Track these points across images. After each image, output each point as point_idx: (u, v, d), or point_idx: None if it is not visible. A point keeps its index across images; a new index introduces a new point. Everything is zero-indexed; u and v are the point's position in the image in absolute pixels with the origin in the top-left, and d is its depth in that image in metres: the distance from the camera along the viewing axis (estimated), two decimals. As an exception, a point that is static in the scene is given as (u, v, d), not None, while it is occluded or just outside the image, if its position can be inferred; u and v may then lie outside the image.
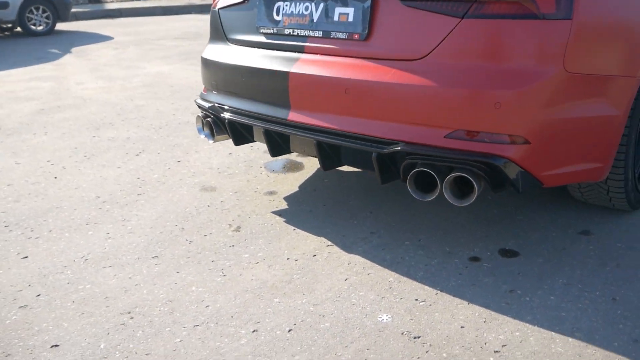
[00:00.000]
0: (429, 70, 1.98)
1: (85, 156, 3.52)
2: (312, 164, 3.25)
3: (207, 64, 2.74)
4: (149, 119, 4.30)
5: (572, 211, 2.57)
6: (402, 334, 1.79)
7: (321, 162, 2.31)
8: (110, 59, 7.05)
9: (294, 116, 2.30)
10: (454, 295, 1.98)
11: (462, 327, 1.81)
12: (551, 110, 1.93)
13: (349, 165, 2.38)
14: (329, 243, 2.36)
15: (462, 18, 1.92)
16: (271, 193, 2.88)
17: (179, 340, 1.78)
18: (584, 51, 1.94)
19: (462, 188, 2.05)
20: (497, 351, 1.70)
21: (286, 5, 2.36)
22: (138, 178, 3.14)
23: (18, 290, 2.07)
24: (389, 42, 2.07)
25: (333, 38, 2.21)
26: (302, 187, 2.95)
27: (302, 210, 2.68)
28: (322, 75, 2.17)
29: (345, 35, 2.17)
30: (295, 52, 2.33)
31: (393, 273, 2.13)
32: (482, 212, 2.57)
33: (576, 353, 1.68)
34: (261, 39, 2.47)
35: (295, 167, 3.24)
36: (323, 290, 2.03)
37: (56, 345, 1.76)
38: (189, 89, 5.27)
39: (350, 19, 2.15)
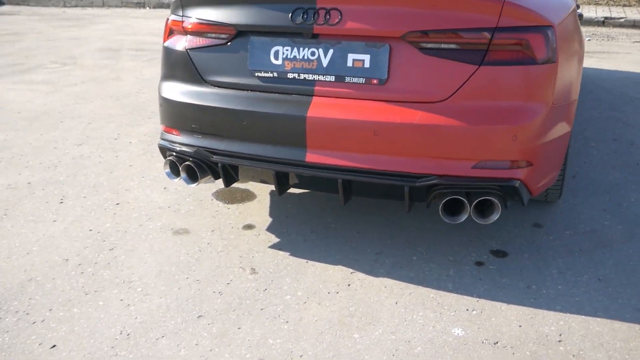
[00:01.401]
0: (453, 111, 2.27)
1: (-1, 212, 3.10)
2: (258, 190, 3.32)
3: (178, 106, 2.66)
4: (32, 157, 3.87)
5: (512, 206, 3.09)
6: (483, 342, 2.09)
7: (343, 197, 2.47)
8: None
9: (312, 157, 2.41)
10: (492, 300, 2.34)
11: (520, 326, 2.18)
12: (545, 136, 2.37)
13: (362, 196, 2.57)
14: (351, 270, 2.55)
15: (480, 65, 2.24)
16: (250, 227, 2.93)
17: (306, 396, 1.85)
18: (561, 87, 2.41)
19: (477, 207, 2.41)
20: (560, 340, 2.10)
21: (286, 50, 2.44)
22: (90, 230, 2.91)
23: (84, 385, 1.90)
24: (407, 86, 2.31)
25: (348, 82, 2.37)
26: (274, 216, 3.04)
27: (296, 240, 2.79)
28: (347, 119, 2.32)
29: (362, 80, 2.34)
30: (303, 95, 2.43)
31: (429, 289, 2.41)
32: (441, 220, 2.96)
33: (610, 329, 2.16)
34: (255, 82, 2.50)
35: (246, 195, 3.28)
36: (388, 317, 2.23)
37: None
38: (45, 115, 4.78)
39: (367, 65, 2.33)
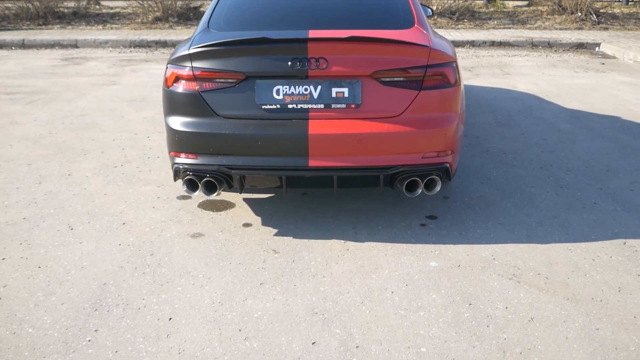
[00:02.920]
0: (406, 122, 3.41)
1: (21, 243, 3.57)
2: (234, 199, 4.16)
3: (195, 135, 3.45)
4: (3, 198, 4.24)
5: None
6: (450, 267, 3.26)
7: (336, 189, 3.49)
8: None
9: (314, 162, 3.39)
10: (443, 244, 3.52)
11: (467, 255, 3.39)
12: (458, 133, 3.63)
13: (348, 187, 3.60)
14: (343, 241, 3.56)
15: (420, 90, 3.43)
16: (248, 225, 3.79)
17: (402, 312, 2.85)
18: (462, 100, 3.70)
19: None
20: (494, 259, 3.34)
21: (286, 88, 3.39)
22: (120, 245, 3.54)
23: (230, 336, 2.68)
24: (375, 107, 3.40)
25: (334, 108, 3.40)
26: (260, 215, 3.92)
27: (289, 229, 3.72)
28: (338, 133, 3.35)
29: (344, 106, 3.39)
30: (301, 119, 3.39)
31: (401, 244, 3.52)
32: (381, 199, 4.12)
33: (518, 249, 3.45)
34: (262, 113, 3.40)
35: (226, 204, 4.11)
36: (386, 264, 3.29)
37: None
38: (-22, 161, 5.02)
39: (346, 95, 3.39)
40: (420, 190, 3.51)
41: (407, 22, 3.80)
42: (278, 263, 3.30)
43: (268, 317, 2.80)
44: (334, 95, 3.38)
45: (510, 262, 3.30)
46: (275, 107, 3.38)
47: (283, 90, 3.38)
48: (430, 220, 3.82)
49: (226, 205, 4.06)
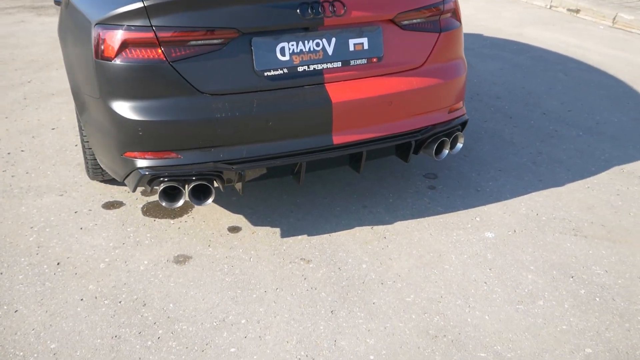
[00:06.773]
0: (429, 73, 2.82)
1: None
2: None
3: (173, 125, 2.43)
4: None
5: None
6: (509, 233, 2.86)
7: (362, 165, 2.78)
8: None
9: (339, 139, 2.64)
10: (471, 208, 3.07)
11: (509, 215, 3.01)
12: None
13: (374, 159, 2.89)
14: (369, 226, 2.90)
15: (440, 32, 2.84)
16: (236, 229, 2.90)
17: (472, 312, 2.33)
18: (460, 39, 3.18)
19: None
20: (537, 214, 3.02)
21: (292, 45, 2.53)
22: (81, 300, 2.45)
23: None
24: (397, 59, 2.73)
25: (352, 65, 2.64)
26: (239, 211, 3.04)
27: (292, 224, 2.92)
28: (368, 96, 2.63)
29: (365, 61, 2.65)
30: (315, 84, 2.58)
31: (434, 217, 2.98)
32: (373, 171, 3.50)
33: (546, 197, 3.19)
34: (265, 82, 2.49)
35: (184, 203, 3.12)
36: (443, 245, 2.76)
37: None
38: None
39: (366, 47, 2.65)
40: (447, 152, 2.98)
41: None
42: (324, 276, 2.55)
43: (389, 357, 2.11)
44: (351, 48, 2.61)
45: (555, 214, 3.02)
46: (281, 72, 2.51)
47: (289, 49, 2.51)
48: (434, 181, 3.35)
49: (186, 205, 3.06)
